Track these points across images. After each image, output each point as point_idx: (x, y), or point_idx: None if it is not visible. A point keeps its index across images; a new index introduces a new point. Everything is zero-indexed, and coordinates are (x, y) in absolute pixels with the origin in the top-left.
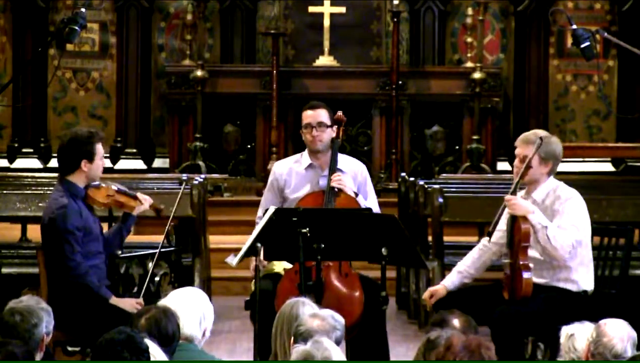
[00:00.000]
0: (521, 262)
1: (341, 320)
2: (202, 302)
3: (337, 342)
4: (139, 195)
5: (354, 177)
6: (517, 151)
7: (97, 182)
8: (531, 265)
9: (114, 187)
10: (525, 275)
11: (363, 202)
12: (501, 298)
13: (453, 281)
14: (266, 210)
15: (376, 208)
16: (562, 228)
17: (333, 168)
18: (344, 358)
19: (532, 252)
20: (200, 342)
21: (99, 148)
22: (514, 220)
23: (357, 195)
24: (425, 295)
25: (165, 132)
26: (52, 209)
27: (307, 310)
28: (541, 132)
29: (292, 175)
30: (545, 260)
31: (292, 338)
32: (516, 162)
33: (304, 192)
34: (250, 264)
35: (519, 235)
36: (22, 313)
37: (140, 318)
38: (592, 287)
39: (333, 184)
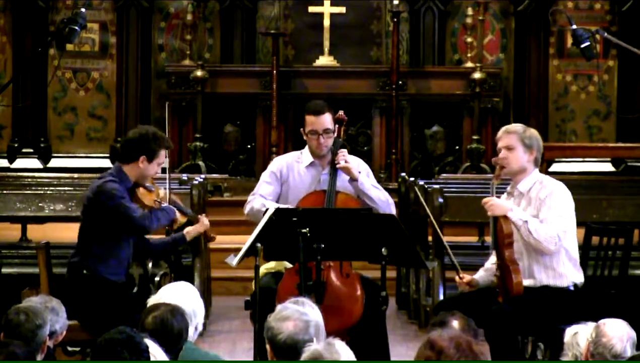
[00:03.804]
0: (508, 260)
1: (305, 308)
2: (192, 298)
3: (319, 331)
4: (200, 216)
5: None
6: (500, 143)
7: (151, 185)
8: (520, 263)
9: (167, 196)
10: (515, 273)
11: (367, 183)
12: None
13: (481, 276)
14: (266, 210)
15: (383, 195)
16: (548, 220)
17: (334, 167)
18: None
19: (517, 256)
20: (193, 338)
21: (162, 154)
22: (496, 221)
23: (360, 173)
24: (457, 279)
25: (165, 132)
26: (98, 183)
27: (273, 316)
28: (520, 124)
29: (293, 172)
30: (531, 261)
31: (272, 348)
32: (502, 153)
33: (305, 190)
34: None
35: (502, 234)
36: (27, 313)
37: (148, 316)
38: (582, 280)
39: (339, 164)
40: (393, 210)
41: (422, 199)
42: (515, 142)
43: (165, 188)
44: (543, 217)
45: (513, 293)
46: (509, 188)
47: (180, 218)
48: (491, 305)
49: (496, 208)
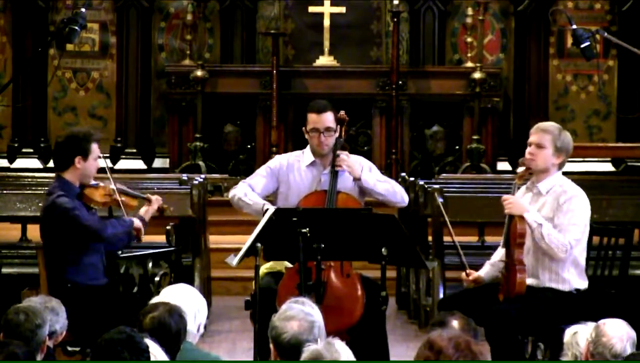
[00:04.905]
0: (516, 260)
1: (308, 308)
2: (195, 298)
3: (321, 331)
4: (151, 196)
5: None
6: (532, 138)
7: (95, 182)
8: (525, 261)
9: (113, 186)
10: (520, 273)
11: (371, 179)
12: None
13: (487, 271)
14: (265, 211)
15: (390, 186)
16: (562, 227)
17: (334, 166)
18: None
19: (524, 255)
20: (195, 338)
21: (95, 148)
22: (511, 220)
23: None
24: (464, 275)
25: (165, 132)
26: (47, 203)
27: (277, 316)
28: (556, 124)
29: (293, 171)
30: (537, 261)
31: (275, 347)
32: (531, 149)
33: (306, 190)
34: None
35: (514, 233)
36: (27, 313)
37: (146, 317)
38: (586, 285)
39: (339, 167)
40: (405, 198)
41: (438, 201)
42: (547, 142)
43: (110, 181)
44: (558, 222)
45: (515, 292)
46: (528, 183)
47: (132, 202)
48: (492, 304)
49: (514, 207)
